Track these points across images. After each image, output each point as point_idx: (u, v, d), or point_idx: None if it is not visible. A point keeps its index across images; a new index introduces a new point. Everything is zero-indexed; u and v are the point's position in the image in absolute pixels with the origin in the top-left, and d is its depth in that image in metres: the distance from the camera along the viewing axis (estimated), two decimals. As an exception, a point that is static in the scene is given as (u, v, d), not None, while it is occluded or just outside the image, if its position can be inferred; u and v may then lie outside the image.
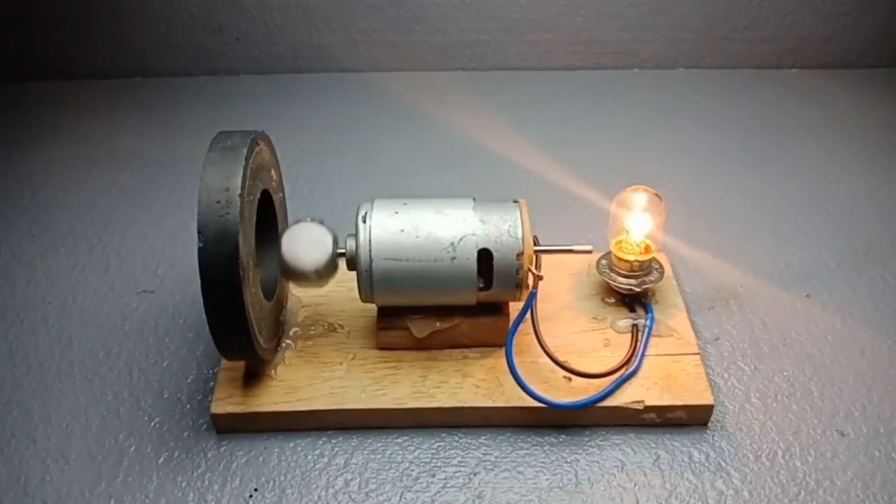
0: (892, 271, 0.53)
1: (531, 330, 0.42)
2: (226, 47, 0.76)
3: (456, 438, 0.42)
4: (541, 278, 0.41)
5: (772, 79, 0.76)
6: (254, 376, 0.43)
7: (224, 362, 0.43)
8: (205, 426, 0.43)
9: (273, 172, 0.44)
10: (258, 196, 0.40)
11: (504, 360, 0.41)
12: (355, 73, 0.77)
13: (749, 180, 0.62)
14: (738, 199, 0.60)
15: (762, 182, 0.62)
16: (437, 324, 0.43)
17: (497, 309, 0.44)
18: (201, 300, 0.49)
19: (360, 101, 0.73)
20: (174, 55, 0.76)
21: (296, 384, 0.43)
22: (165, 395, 0.44)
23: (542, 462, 0.41)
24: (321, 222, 0.41)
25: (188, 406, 0.44)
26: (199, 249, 0.35)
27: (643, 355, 0.44)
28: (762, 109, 0.72)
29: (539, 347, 0.42)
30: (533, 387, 0.41)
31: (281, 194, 0.47)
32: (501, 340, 0.43)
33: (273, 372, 0.43)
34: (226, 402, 0.42)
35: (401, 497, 0.39)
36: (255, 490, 0.39)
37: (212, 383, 0.44)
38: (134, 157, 0.66)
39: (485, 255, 0.41)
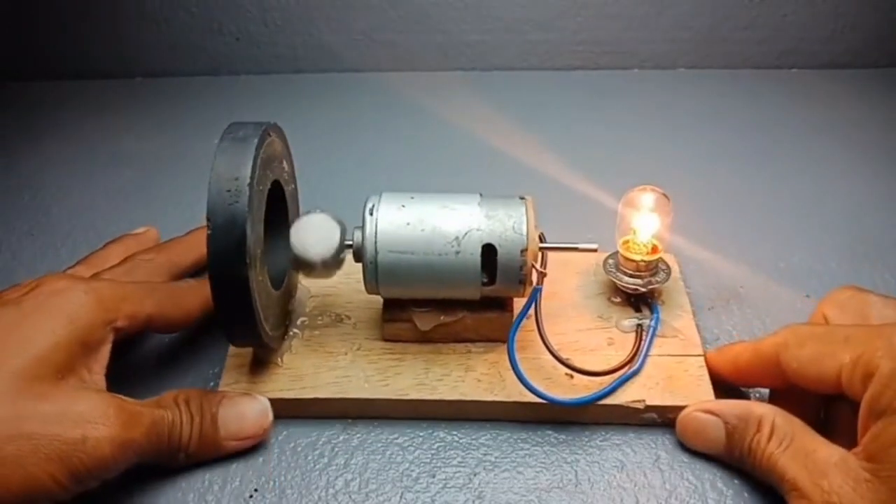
0: (893, 271, 0.53)
1: (535, 326, 0.42)
2: (226, 47, 0.76)
3: (456, 439, 0.42)
4: (544, 275, 0.41)
5: (772, 79, 0.76)
6: (261, 364, 0.44)
7: (231, 349, 0.44)
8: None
9: (285, 163, 0.45)
10: (268, 186, 0.41)
11: (507, 356, 0.41)
12: (355, 73, 0.77)
13: (748, 180, 0.62)
14: (738, 199, 0.60)
15: (762, 182, 0.62)
16: (442, 317, 0.44)
17: (502, 304, 0.44)
18: (201, 300, 0.49)
19: (360, 102, 0.73)
20: (174, 55, 0.76)
21: (301, 372, 0.43)
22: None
23: (542, 462, 0.41)
24: (330, 213, 0.42)
25: (188, 406, 0.44)
26: (208, 237, 0.36)
27: (647, 355, 0.44)
28: (762, 109, 0.72)
29: (542, 344, 0.42)
30: (535, 383, 0.41)
31: (293, 186, 0.47)
32: (505, 336, 0.43)
33: (280, 360, 0.44)
34: (232, 388, 0.42)
35: (401, 497, 0.39)
36: (256, 490, 0.39)
37: (212, 383, 0.44)
38: (134, 157, 0.66)
39: (489, 251, 0.41)
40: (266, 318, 0.40)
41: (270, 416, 0.41)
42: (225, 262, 0.36)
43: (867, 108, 0.71)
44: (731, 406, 0.39)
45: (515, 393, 0.42)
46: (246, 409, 0.40)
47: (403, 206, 0.42)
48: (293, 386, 0.42)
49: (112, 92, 0.75)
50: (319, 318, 0.47)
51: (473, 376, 0.43)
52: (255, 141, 0.38)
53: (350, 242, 0.42)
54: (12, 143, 0.68)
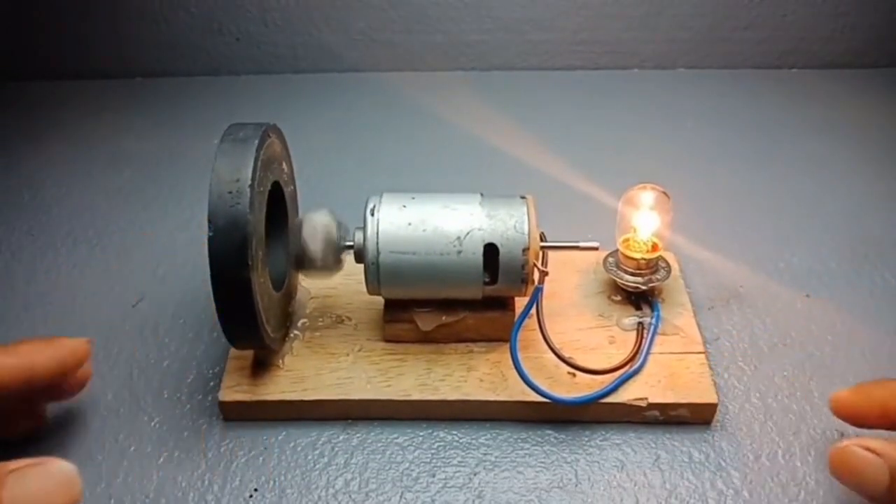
0: (893, 271, 0.53)
1: (537, 326, 0.42)
2: (226, 47, 0.76)
3: (456, 438, 0.42)
4: (546, 274, 0.41)
5: (772, 79, 0.76)
6: (262, 366, 0.44)
7: (232, 351, 0.44)
8: (205, 426, 0.43)
9: (284, 165, 0.45)
10: (269, 187, 0.41)
11: (509, 356, 0.41)
12: (355, 72, 0.77)
13: (748, 180, 0.62)
14: (738, 200, 0.60)
15: (762, 182, 0.62)
16: (443, 317, 0.44)
17: (503, 304, 0.44)
18: (202, 301, 0.50)
19: (360, 102, 0.73)
20: (174, 55, 0.76)
21: (303, 374, 0.43)
22: (165, 395, 0.44)
23: (542, 462, 0.41)
24: (331, 213, 0.42)
25: (188, 406, 0.44)
26: (209, 239, 0.36)
27: (648, 353, 0.44)
28: (762, 109, 0.72)
29: (544, 343, 0.42)
30: (537, 382, 0.41)
31: (292, 187, 0.47)
32: (507, 335, 0.43)
33: (281, 362, 0.44)
34: (234, 391, 0.42)
35: (401, 497, 0.39)
36: (256, 490, 0.39)
37: (212, 383, 0.44)
38: (134, 157, 0.66)
39: (491, 250, 0.41)
40: (267, 319, 0.40)
41: (79, 484, 0.30)
42: (227, 264, 0.36)
43: (867, 108, 0.71)
44: None
45: (518, 392, 0.42)
46: (39, 486, 0.29)
47: (404, 206, 0.42)
48: (295, 388, 0.42)
49: (112, 92, 0.75)
50: (320, 319, 0.47)
51: (476, 376, 0.43)
52: (256, 142, 0.38)
53: (351, 243, 0.42)
54: (12, 143, 0.68)
